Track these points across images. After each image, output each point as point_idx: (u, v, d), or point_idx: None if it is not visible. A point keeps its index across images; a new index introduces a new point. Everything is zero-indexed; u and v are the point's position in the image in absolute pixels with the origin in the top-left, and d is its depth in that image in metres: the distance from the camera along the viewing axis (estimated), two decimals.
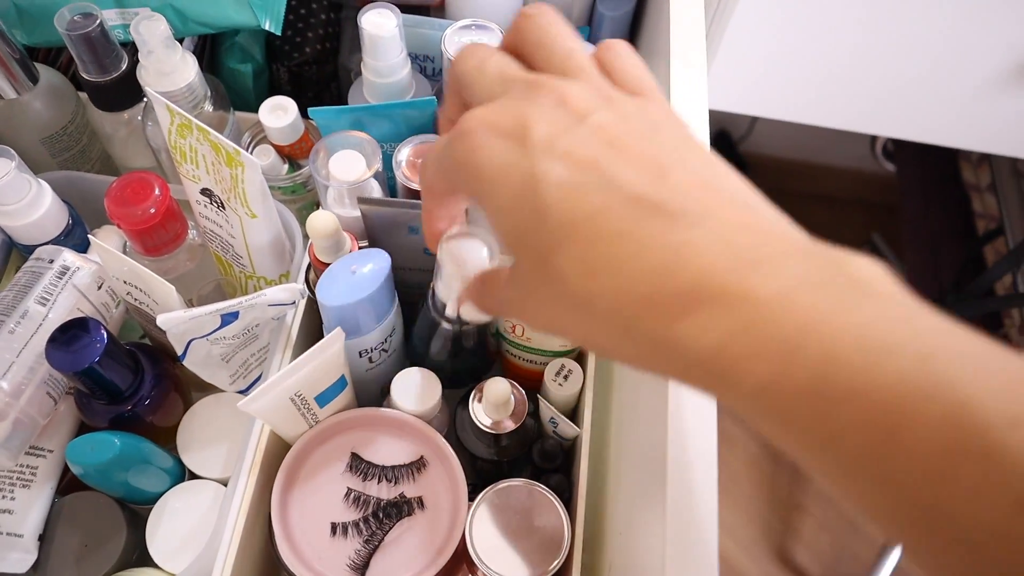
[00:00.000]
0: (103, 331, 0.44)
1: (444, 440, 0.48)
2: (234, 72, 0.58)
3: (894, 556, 1.22)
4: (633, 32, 0.63)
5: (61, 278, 0.48)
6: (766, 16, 0.60)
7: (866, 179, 1.43)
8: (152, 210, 0.48)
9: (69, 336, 0.44)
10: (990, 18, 0.58)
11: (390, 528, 0.47)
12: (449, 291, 0.42)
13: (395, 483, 0.48)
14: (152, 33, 0.48)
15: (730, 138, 1.49)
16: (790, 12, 0.59)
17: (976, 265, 0.99)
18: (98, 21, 0.48)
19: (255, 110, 0.52)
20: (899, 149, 1.21)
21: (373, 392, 0.54)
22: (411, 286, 0.52)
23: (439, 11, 0.60)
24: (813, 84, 0.66)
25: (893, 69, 0.64)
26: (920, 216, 1.13)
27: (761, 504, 1.30)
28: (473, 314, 0.36)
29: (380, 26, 0.49)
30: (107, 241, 0.51)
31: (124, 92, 0.52)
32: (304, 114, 0.53)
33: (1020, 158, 0.75)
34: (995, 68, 0.62)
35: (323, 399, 0.47)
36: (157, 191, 0.48)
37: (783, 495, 1.31)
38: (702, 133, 0.44)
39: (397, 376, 0.50)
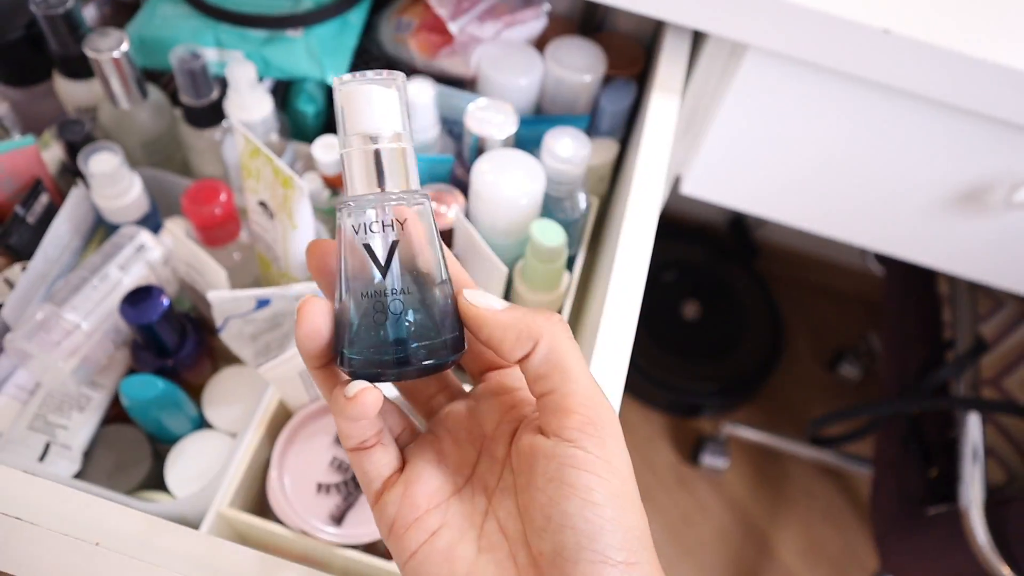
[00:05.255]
0: (165, 298, 0.56)
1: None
2: (300, 111, 0.71)
3: None
4: (629, 124, 0.75)
5: (137, 252, 0.61)
6: (744, 121, 0.70)
7: (869, 279, 1.52)
8: (217, 211, 0.60)
9: (139, 298, 0.56)
10: (938, 149, 0.68)
11: None
12: None
13: None
14: (241, 76, 0.61)
15: (745, 224, 1.59)
16: (766, 119, 0.69)
17: (936, 367, 1.08)
18: (201, 60, 0.62)
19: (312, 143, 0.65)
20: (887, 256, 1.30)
21: None
22: None
23: (472, 84, 0.73)
24: (789, 186, 0.75)
25: (859, 183, 0.73)
26: (897, 318, 1.22)
27: (724, 574, 1.35)
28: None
29: (418, 95, 0.62)
30: (176, 229, 0.64)
31: (211, 115, 0.65)
32: None
33: (964, 276, 0.85)
34: (944, 192, 0.71)
35: None
36: (223, 196, 0.61)
37: (748, 569, 1.36)
38: (651, 221, 0.55)
39: None
